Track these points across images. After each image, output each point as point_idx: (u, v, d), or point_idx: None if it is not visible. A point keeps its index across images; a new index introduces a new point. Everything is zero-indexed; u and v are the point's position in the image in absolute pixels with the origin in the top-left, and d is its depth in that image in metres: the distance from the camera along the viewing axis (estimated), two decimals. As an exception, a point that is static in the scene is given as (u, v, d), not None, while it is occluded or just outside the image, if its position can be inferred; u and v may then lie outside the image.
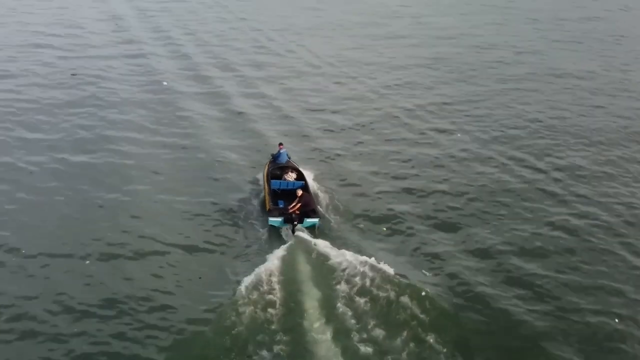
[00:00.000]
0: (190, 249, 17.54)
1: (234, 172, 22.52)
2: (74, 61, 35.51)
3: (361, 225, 19.17)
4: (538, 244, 18.20)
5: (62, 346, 13.84)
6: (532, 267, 17.08)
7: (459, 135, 26.08)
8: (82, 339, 13.97)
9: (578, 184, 22.13)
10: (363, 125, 27.23)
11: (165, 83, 31.52)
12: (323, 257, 16.57)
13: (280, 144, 22.46)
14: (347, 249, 16.97)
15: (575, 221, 19.47)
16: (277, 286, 15.34)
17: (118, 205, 19.67)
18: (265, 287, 15.19)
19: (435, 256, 17.52)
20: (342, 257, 16.44)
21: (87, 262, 16.74)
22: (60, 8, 51.60)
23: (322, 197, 20.61)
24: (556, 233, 18.76)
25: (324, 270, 16.08)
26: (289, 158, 22.18)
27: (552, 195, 21.20)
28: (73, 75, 33.18)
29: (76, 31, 43.17)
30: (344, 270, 15.93)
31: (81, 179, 21.30)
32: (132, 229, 18.43)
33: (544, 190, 21.52)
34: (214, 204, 20.07)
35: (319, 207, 19.55)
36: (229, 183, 21.66)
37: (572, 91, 33.14)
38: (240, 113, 28.44)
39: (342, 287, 15.38)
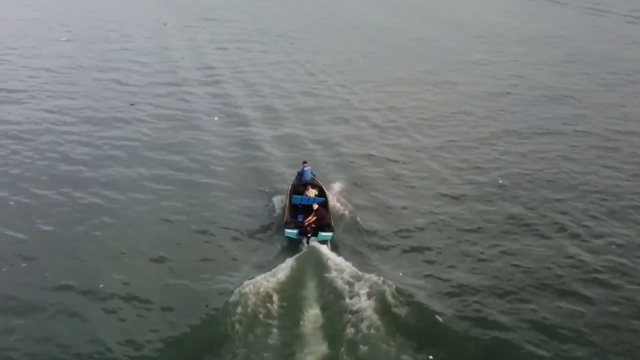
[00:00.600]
0: (210, 251, 18.86)
1: (265, 186, 23.74)
2: (133, 90, 35.19)
3: (375, 243, 19.69)
4: (565, 278, 17.79)
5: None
6: (561, 306, 16.57)
7: (492, 174, 25.39)
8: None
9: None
10: (395, 155, 27.20)
11: (216, 118, 30.95)
12: (331, 269, 17.12)
13: (305, 162, 23.51)
14: (357, 263, 17.49)
15: (589, 257, 19.07)
16: (281, 292, 16.09)
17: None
18: (271, 291, 15.97)
19: (446, 281, 17.58)
20: (349, 270, 16.98)
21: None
22: (124, 36, 50.08)
23: (342, 214, 21.32)
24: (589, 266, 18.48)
25: (330, 281, 16.56)
26: (314, 176, 23.09)
27: (563, 229, 20.80)
28: (132, 104, 32.38)
29: (138, 61, 42.14)
30: (348, 283, 16.40)
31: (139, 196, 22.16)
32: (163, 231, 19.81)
33: (562, 225, 20.98)
34: (242, 214, 21.31)
35: (335, 222, 20.14)
36: (259, 197, 22.86)
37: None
38: (283, 136, 29.31)
39: (344, 300, 15.79)
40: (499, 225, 21.03)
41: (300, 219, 20.03)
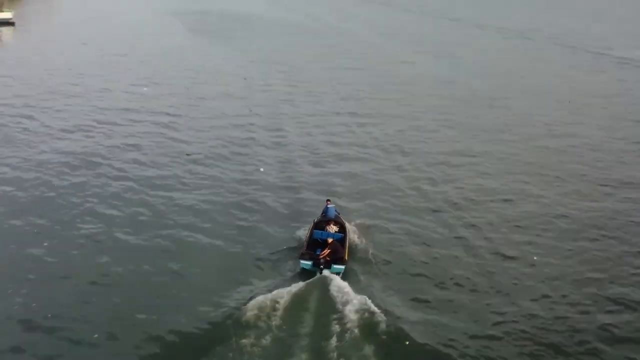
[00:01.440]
0: (231, 271, 20.88)
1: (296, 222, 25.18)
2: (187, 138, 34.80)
3: (387, 277, 21.00)
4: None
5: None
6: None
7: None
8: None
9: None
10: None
11: (262, 169, 30.90)
12: (337, 298, 18.63)
13: (328, 200, 24.96)
14: (365, 296, 18.64)
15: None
16: (284, 311, 17.87)
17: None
18: (274, 310, 17.85)
19: (443, 320, 18.57)
20: (355, 302, 18.26)
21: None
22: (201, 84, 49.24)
23: (360, 249, 22.70)
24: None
25: (332, 309, 18.15)
26: (338, 213, 24.35)
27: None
28: (187, 155, 31.72)
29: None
30: (352, 312, 17.80)
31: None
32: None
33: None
34: (269, 244, 23.06)
35: (353, 256, 21.82)
36: (286, 231, 24.41)
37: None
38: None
39: (341, 327, 17.33)
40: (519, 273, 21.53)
41: (318, 252, 21.43)
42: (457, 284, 20.42)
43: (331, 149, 34.13)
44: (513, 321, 18.31)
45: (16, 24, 79.60)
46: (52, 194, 26.50)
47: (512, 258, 22.19)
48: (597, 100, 46.91)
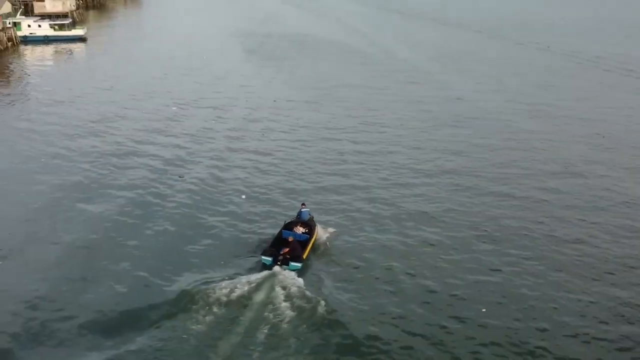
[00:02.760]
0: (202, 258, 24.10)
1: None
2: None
3: (339, 279, 22.96)
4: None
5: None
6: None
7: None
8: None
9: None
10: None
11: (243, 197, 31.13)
12: (287, 293, 20.95)
13: (303, 204, 27.31)
14: (314, 292, 21.16)
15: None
16: (235, 299, 20.53)
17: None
18: (225, 295, 20.61)
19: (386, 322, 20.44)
20: (302, 297, 20.70)
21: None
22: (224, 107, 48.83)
23: (326, 253, 25.02)
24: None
25: (280, 301, 20.54)
26: (311, 216, 26.56)
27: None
28: (180, 177, 32.54)
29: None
30: (297, 305, 20.28)
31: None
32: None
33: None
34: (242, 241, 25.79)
35: (315, 256, 24.28)
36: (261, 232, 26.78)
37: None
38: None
39: (283, 317, 19.83)
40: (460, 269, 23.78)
41: (279, 253, 23.10)
42: (405, 289, 22.33)
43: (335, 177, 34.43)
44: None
45: (88, 40, 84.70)
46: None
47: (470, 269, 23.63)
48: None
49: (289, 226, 25.40)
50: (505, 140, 41.24)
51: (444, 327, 20.03)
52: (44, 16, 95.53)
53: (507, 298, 21.84)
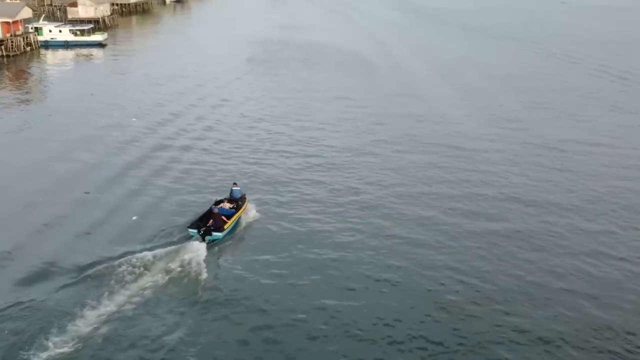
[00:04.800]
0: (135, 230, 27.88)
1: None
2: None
3: (253, 254, 26.09)
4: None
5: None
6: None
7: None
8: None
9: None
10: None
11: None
12: (203, 264, 24.18)
13: (235, 183, 30.82)
14: (226, 262, 25.14)
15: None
16: (154, 266, 23.82)
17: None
18: (147, 265, 23.84)
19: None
20: (214, 266, 24.35)
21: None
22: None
23: (247, 225, 28.70)
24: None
25: (193, 271, 23.81)
26: (243, 194, 29.92)
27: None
28: (86, 193, 32.59)
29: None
30: (199, 277, 23.47)
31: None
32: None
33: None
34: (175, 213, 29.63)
35: (238, 230, 27.93)
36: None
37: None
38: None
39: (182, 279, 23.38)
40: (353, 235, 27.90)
41: (203, 226, 26.09)
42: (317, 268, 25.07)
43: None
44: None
45: (107, 46, 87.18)
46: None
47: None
48: None
49: (218, 203, 28.50)
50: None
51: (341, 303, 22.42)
52: (75, 21, 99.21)
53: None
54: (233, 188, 29.98)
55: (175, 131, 45.01)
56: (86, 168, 36.18)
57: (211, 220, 26.27)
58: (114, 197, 31.80)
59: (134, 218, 29.12)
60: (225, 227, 26.32)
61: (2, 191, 32.50)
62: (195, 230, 25.72)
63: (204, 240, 25.43)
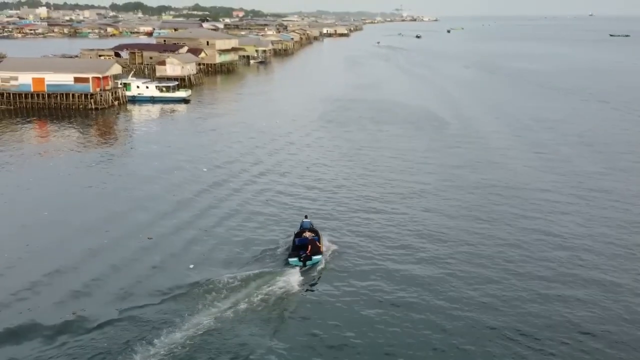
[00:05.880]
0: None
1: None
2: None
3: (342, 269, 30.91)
4: None
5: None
6: None
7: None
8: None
9: None
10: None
11: None
12: (305, 287, 28.74)
13: (305, 216, 35.22)
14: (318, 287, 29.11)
15: None
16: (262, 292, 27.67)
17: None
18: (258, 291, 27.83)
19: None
20: (306, 291, 28.32)
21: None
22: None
23: (329, 249, 32.94)
24: None
25: (298, 294, 27.97)
26: (312, 225, 33.72)
27: None
28: (149, 239, 34.97)
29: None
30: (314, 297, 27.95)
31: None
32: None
33: None
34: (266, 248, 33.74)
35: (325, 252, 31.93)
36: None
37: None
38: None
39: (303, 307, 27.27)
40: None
41: (301, 253, 29.99)
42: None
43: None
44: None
45: (190, 102, 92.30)
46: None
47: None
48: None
49: (299, 235, 31.94)
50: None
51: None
52: (163, 79, 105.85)
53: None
54: (304, 220, 33.86)
55: (248, 178, 48.62)
56: (189, 199, 42.40)
57: (310, 247, 30.04)
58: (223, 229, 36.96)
59: (238, 245, 33.87)
60: (321, 250, 30.79)
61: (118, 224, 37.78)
62: (296, 259, 29.83)
63: (305, 265, 29.65)
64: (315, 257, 30.05)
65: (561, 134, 68.67)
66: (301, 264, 29.50)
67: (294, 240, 31.37)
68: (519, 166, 53.28)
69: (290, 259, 29.83)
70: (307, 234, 31.53)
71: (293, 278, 28.64)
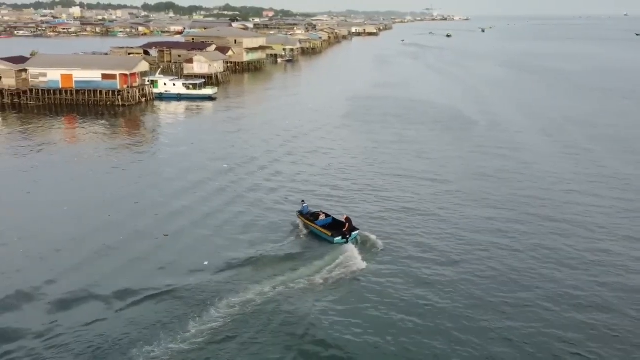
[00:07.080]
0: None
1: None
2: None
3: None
4: None
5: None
6: None
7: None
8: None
9: None
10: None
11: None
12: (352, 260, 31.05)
13: (302, 200, 37.42)
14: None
15: None
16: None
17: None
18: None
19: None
20: (354, 259, 31.01)
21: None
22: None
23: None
24: None
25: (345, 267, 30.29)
26: (309, 209, 36.39)
27: None
28: (165, 235, 35.29)
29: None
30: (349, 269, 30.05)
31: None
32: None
33: None
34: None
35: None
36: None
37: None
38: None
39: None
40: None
41: (343, 232, 32.98)
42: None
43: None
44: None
45: (216, 99, 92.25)
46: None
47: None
48: None
49: (316, 217, 35.00)
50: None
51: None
52: (190, 76, 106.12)
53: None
54: (303, 205, 36.53)
55: (271, 173, 49.09)
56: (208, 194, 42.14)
57: (347, 225, 33.01)
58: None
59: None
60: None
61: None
62: (340, 237, 32.63)
63: (347, 241, 32.56)
64: (354, 234, 33.04)
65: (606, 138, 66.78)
66: (344, 241, 32.42)
67: (314, 223, 34.21)
68: (558, 173, 51.79)
69: (335, 239, 32.53)
70: (322, 216, 34.80)
71: (343, 256, 31.13)
